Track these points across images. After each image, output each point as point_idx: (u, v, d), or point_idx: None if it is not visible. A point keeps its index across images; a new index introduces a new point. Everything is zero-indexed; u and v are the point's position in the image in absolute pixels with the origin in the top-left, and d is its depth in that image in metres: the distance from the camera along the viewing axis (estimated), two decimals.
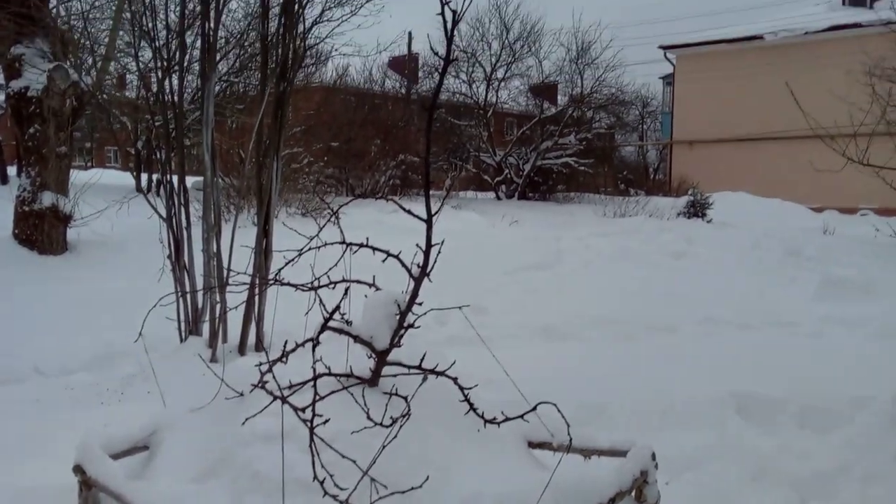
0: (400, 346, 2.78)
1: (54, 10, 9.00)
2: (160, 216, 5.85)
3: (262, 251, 5.75)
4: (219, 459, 2.61)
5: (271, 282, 3.06)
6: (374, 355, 2.78)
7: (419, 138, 19.03)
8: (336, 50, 29.47)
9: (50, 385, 5.23)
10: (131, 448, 2.86)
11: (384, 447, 2.23)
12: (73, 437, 2.72)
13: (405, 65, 28.51)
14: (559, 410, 2.50)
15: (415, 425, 2.50)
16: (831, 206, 19.51)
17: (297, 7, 5.75)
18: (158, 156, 6.31)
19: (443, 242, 2.73)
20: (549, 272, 9.22)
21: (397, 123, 19.59)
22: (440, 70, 2.94)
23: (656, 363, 5.54)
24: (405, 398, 2.50)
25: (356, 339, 2.75)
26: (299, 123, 16.03)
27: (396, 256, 2.75)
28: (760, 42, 26.74)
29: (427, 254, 2.70)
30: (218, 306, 5.72)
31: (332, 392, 2.54)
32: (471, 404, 2.70)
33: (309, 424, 2.12)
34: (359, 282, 2.89)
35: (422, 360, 2.72)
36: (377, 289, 2.90)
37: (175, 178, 5.94)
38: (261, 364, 2.57)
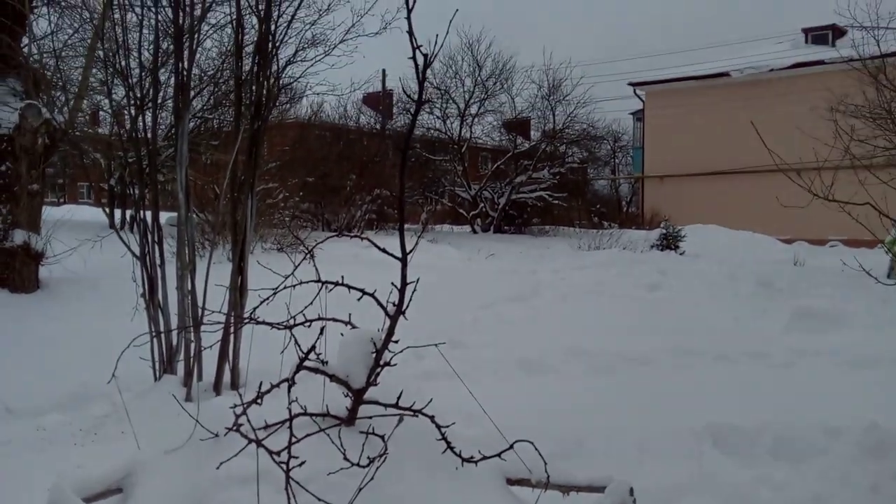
0: (376, 384, 2.78)
1: (26, 49, 8.97)
2: (133, 254, 5.80)
3: (237, 288, 5.72)
4: (195, 503, 2.57)
5: (246, 320, 3.05)
6: (350, 394, 2.77)
7: (395, 173, 19.12)
8: (311, 89, 29.68)
9: (21, 425, 5.11)
10: (105, 491, 2.80)
11: (360, 490, 2.21)
12: (46, 480, 2.67)
13: (380, 101, 28.73)
14: (536, 448, 2.50)
15: (392, 465, 2.49)
16: (801, 237, 19.85)
17: (270, 47, 5.80)
18: (132, 192, 6.27)
19: (418, 280, 2.75)
20: (525, 304, 9.25)
21: (373, 158, 19.67)
22: (413, 112, 2.99)
23: (633, 395, 5.57)
24: (382, 437, 2.49)
25: (332, 377, 2.75)
26: (274, 158, 16.06)
27: (372, 295, 2.77)
28: (727, 79, 27.39)
29: (402, 291, 2.71)
30: (193, 345, 5.66)
31: (308, 435, 2.52)
32: (448, 443, 2.69)
33: (284, 467, 2.11)
34: (335, 320, 2.89)
35: (398, 398, 2.71)
36: (353, 326, 2.90)
37: (149, 215, 5.91)
38: (235, 406, 2.55)
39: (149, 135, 6.01)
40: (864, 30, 11.42)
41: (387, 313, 2.76)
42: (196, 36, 6.03)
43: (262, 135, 5.90)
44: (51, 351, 6.56)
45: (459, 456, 2.68)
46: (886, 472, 3.95)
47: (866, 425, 4.25)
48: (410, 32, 2.48)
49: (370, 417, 2.71)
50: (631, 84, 30.28)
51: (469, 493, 2.69)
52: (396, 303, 2.74)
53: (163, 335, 5.69)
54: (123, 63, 5.97)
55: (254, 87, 5.76)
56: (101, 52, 7.16)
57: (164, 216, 7.43)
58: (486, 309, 9.06)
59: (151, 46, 6.07)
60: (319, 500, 2.17)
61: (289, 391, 2.45)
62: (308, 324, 2.84)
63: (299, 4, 6.89)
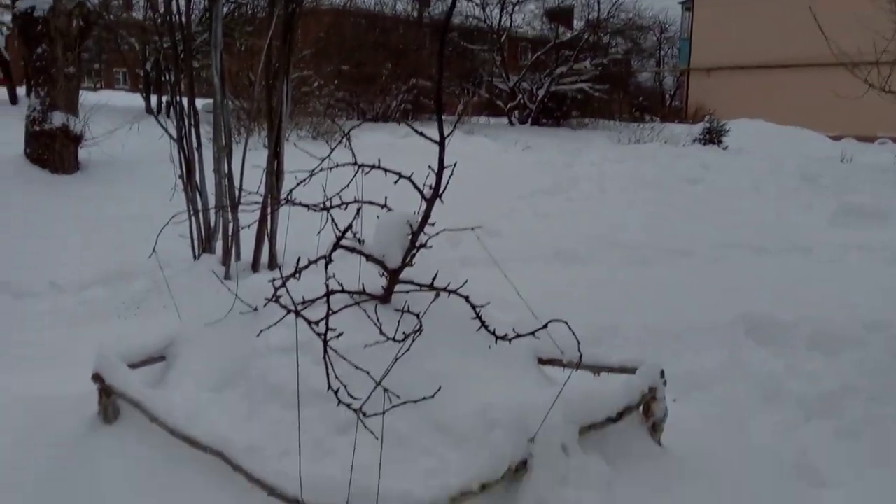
0: (412, 265, 2.78)
1: None
2: (171, 136, 5.82)
3: (274, 172, 5.73)
4: (235, 370, 2.65)
5: (283, 202, 3.05)
6: (385, 274, 2.78)
7: (431, 62, 18.65)
8: None
9: (65, 299, 5.29)
10: (148, 358, 2.91)
11: (397, 359, 2.25)
12: (90, 349, 2.77)
13: None
14: (570, 328, 2.50)
15: (426, 341, 2.52)
16: (850, 134, 19.17)
17: None
18: (167, 77, 6.22)
19: (455, 164, 2.69)
20: (562, 197, 9.16)
21: (409, 47, 19.17)
22: None
23: (670, 287, 5.55)
24: (417, 315, 2.51)
25: (368, 257, 2.75)
26: (309, 46, 15.73)
27: (409, 178, 2.72)
28: None
29: (439, 175, 2.66)
30: (230, 225, 5.74)
31: (345, 307, 2.55)
32: (482, 321, 2.71)
33: (323, 337, 2.14)
34: (371, 203, 2.87)
35: (434, 278, 2.72)
36: (389, 210, 2.88)
37: (185, 101, 5.89)
38: (274, 280, 2.58)
39: (183, 19, 5.90)
40: None
41: (423, 196, 2.73)
42: None
43: (296, 20, 5.78)
44: (92, 230, 6.72)
45: (493, 334, 2.70)
46: None
47: None
48: None
49: (407, 292, 2.72)
50: None
51: (501, 370, 2.74)
52: (433, 186, 2.70)
53: (201, 215, 5.77)
54: None
55: None
56: None
57: (200, 103, 7.38)
58: (523, 200, 8.99)
59: None
60: (357, 368, 2.21)
61: (326, 268, 2.46)
62: (344, 206, 2.83)
63: None
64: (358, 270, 2.84)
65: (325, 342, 2.13)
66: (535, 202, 8.93)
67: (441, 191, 2.72)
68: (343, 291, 2.67)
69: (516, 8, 23.02)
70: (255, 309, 2.86)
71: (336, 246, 2.67)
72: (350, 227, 2.68)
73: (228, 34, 13.16)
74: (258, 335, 2.55)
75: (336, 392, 2.09)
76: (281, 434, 2.39)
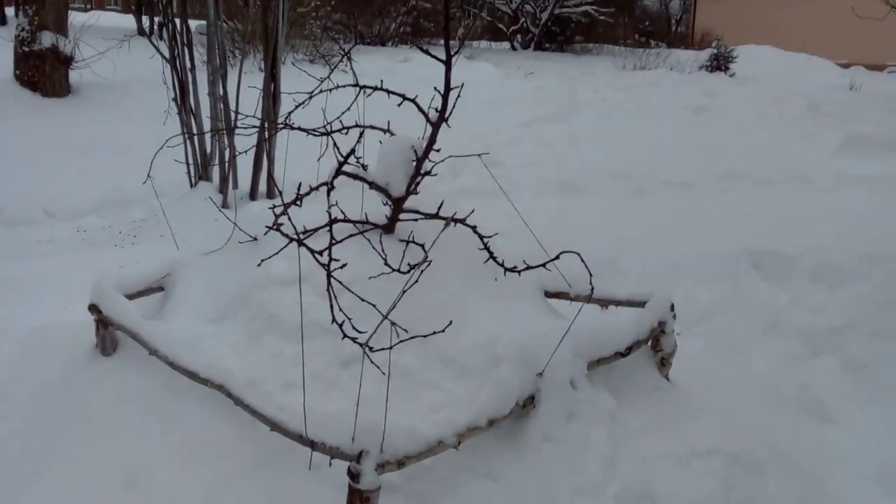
0: (417, 193, 2.68)
1: None
2: (164, 57, 5.62)
3: (271, 94, 5.56)
4: (234, 301, 2.59)
5: (281, 125, 2.92)
6: (389, 202, 2.69)
7: None
8: None
9: (61, 227, 5.21)
10: (146, 289, 2.84)
11: (404, 292, 2.18)
12: (87, 278, 2.70)
13: None
14: (583, 260, 2.43)
15: (432, 273, 2.44)
16: (859, 62, 18.76)
17: None
18: None
19: (462, 86, 2.56)
20: (564, 125, 8.98)
21: None
22: None
23: (672, 218, 5.47)
24: (422, 246, 2.43)
25: (371, 185, 2.65)
26: None
27: (413, 100, 2.59)
28: None
29: (445, 97, 2.53)
30: (227, 151, 5.61)
31: (349, 236, 2.48)
32: (490, 252, 2.64)
33: (326, 267, 2.06)
34: (373, 127, 2.76)
35: (439, 208, 2.63)
36: (392, 134, 2.77)
37: (177, 20, 5.67)
38: (275, 207, 2.48)
39: None
40: None
41: (428, 120, 2.60)
42: None
43: None
44: (85, 155, 6.57)
45: (502, 265, 2.63)
46: None
47: None
48: None
49: (414, 220, 2.64)
50: None
51: (508, 303, 2.68)
52: (439, 109, 2.57)
53: (196, 140, 5.64)
54: None
55: None
56: None
57: (193, 24, 7.13)
58: (524, 128, 8.81)
59: None
60: (362, 300, 2.15)
61: (328, 195, 2.36)
62: (345, 130, 2.71)
63: None
64: (360, 199, 2.75)
65: (329, 273, 2.06)
66: (536, 131, 8.75)
67: (448, 114, 2.60)
68: (346, 220, 2.58)
69: None
70: (255, 238, 2.79)
71: (339, 171, 2.56)
72: (353, 151, 2.57)
73: None
74: (259, 265, 2.47)
75: (341, 325, 2.03)
76: (282, 367, 2.34)
